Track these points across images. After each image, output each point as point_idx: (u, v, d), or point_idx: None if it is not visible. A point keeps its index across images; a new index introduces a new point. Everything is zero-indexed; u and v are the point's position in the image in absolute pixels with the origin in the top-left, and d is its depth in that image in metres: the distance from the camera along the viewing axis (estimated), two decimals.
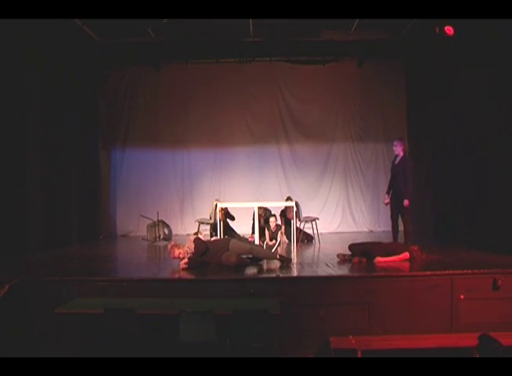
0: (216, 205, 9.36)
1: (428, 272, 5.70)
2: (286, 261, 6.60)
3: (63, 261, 7.67)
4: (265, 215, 9.57)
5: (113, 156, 11.76)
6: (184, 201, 11.70)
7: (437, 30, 7.78)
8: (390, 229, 8.07)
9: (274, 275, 5.83)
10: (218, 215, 9.16)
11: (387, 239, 7.93)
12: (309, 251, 8.50)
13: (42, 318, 5.38)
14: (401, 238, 7.79)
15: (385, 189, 8.20)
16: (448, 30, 7.74)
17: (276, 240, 8.40)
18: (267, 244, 8.92)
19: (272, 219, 9.30)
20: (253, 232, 9.36)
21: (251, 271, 6.29)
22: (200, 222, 9.94)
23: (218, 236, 8.87)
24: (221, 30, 9.17)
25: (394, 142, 7.87)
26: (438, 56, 9.02)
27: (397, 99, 11.35)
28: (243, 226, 10.51)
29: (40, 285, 5.60)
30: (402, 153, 7.72)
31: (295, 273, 6.14)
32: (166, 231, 10.15)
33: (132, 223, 11.52)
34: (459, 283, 5.56)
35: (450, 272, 5.66)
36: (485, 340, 3.85)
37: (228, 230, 9.48)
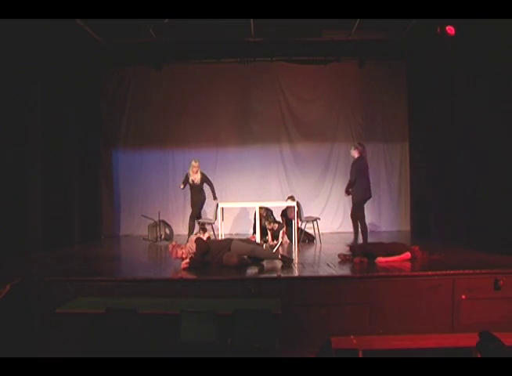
0: (187, 175, 9.69)
1: (429, 273, 5.69)
2: (287, 261, 6.60)
3: (64, 261, 7.69)
4: (266, 215, 9.57)
5: (114, 156, 11.78)
6: (185, 201, 11.68)
7: (438, 30, 7.79)
8: (391, 229, 8.16)
9: (275, 275, 5.83)
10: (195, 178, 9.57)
11: (388, 239, 7.94)
12: (310, 251, 8.50)
13: (44, 318, 5.38)
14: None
15: (386, 189, 8.32)
16: (450, 30, 7.75)
17: (277, 240, 8.39)
18: (269, 243, 8.92)
19: (267, 223, 9.27)
20: (254, 232, 9.36)
21: (252, 271, 6.30)
22: (201, 222, 9.93)
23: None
24: (222, 30, 9.17)
25: (353, 147, 8.56)
26: (438, 55, 9.02)
27: (398, 98, 11.34)
28: (243, 226, 10.53)
29: (41, 285, 5.61)
30: (356, 156, 8.41)
31: (296, 273, 6.14)
32: (167, 231, 10.16)
33: (133, 223, 11.54)
34: (460, 283, 5.56)
35: (451, 272, 5.65)
36: (486, 337, 3.84)
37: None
